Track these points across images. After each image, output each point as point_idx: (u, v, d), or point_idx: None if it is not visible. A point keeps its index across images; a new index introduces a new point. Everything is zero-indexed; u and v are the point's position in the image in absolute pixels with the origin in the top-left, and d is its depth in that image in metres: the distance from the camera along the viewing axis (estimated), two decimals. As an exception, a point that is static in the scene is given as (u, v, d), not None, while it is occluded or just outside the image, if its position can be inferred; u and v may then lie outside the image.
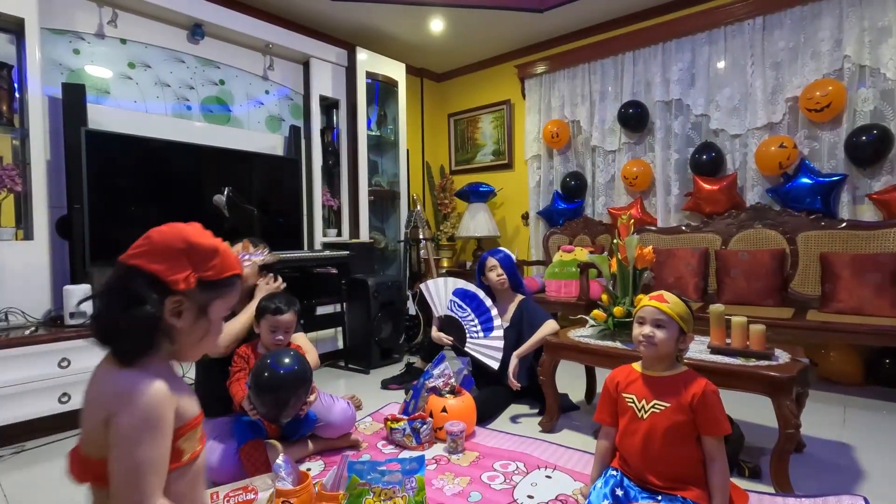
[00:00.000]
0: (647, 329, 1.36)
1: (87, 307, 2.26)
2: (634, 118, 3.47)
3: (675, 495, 1.29)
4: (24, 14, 2.27)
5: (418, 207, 3.98)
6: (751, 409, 2.12)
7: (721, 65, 3.19)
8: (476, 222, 4.21)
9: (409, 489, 1.25)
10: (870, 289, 2.48)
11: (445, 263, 4.49)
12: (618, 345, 1.89)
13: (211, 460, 1.52)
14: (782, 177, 2.96)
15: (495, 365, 2.27)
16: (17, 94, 2.34)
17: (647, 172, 3.48)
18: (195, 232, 0.74)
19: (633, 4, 3.46)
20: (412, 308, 3.57)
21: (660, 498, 1.29)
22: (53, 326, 2.22)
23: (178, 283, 0.70)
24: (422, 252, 3.97)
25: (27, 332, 2.11)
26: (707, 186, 3.17)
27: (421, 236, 3.88)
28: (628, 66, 3.57)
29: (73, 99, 2.40)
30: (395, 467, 1.27)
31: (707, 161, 3.19)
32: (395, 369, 3.00)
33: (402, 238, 3.93)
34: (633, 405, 1.38)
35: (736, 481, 1.54)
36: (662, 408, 1.33)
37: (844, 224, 2.73)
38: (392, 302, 3.23)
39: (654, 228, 3.39)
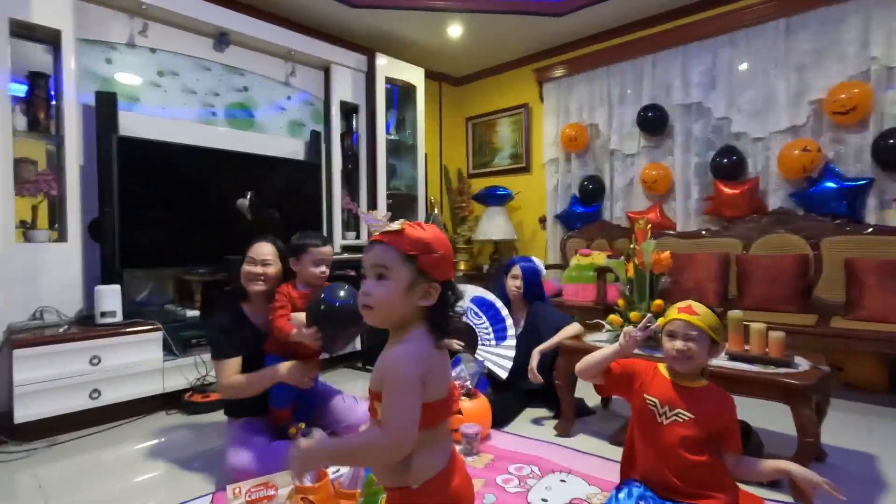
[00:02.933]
0: (679, 344, 1.34)
1: (117, 308, 2.35)
2: (654, 121, 3.45)
3: None
4: (60, 26, 2.38)
5: (436, 211, 4.02)
6: (770, 417, 2.08)
7: (743, 67, 3.15)
8: (493, 225, 4.22)
9: (424, 489, 1.28)
10: (896, 296, 2.42)
11: (463, 266, 4.52)
12: (636, 350, 1.88)
13: (239, 461, 1.58)
14: (806, 181, 2.91)
15: (504, 374, 2.29)
16: (52, 102, 2.46)
17: (667, 176, 3.45)
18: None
19: (651, 7, 3.45)
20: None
21: None
22: (85, 325, 2.31)
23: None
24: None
25: (61, 329, 2.20)
26: (728, 190, 3.13)
27: (438, 239, 3.91)
28: (647, 69, 3.55)
29: (105, 107, 2.49)
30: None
31: (728, 165, 3.16)
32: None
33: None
34: (654, 408, 1.37)
35: (754, 490, 1.53)
36: (686, 418, 1.32)
37: (871, 229, 2.67)
38: (409, 304, 3.26)
39: (672, 233, 3.36)
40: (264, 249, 1.85)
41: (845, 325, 2.42)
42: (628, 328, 1.44)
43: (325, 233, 3.48)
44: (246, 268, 1.82)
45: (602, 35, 3.83)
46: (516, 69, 4.44)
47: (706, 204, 3.30)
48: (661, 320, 1.46)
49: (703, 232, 3.25)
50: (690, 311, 1.35)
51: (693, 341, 1.32)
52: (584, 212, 3.87)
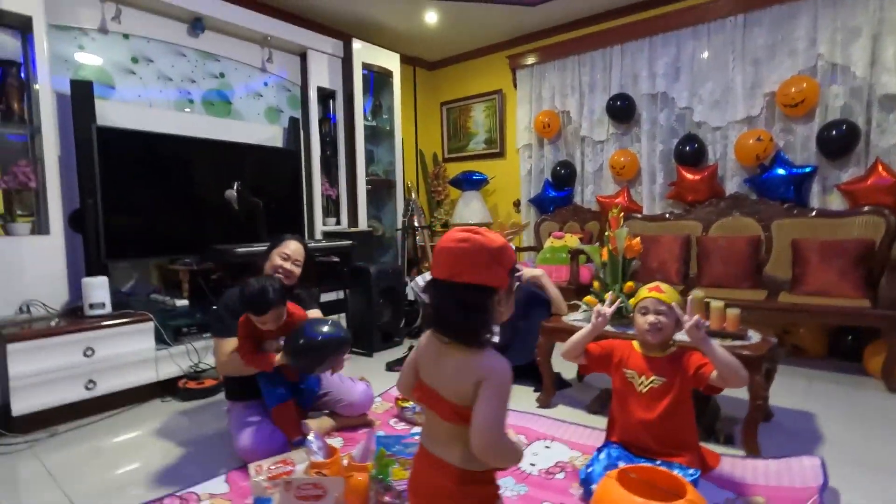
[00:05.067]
0: (651, 318, 1.53)
1: (105, 300, 2.36)
2: (622, 110, 3.63)
3: (671, 461, 1.48)
4: (31, 12, 2.31)
5: (413, 196, 4.11)
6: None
7: (704, 60, 3.34)
8: (470, 209, 4.35)
9: (429, 459, 1.43)
10: (835, 272, 2.70)
11: (439, 249, 4.64)
12: (609, 328, 2.07)
13: (246, 442, 1.69)
14: (759, 168, 3.16)
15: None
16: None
17: (634, 162, 3.65)
18: (487, 239, 0.87)
19: (621, -1, 3.58)
20: (410, 294, 3.73)
21: (658, 462, 1.48)
22: (74, 317, 2.31)
23: (501, 284, 0.88)
24: (418, 239, 4.11)
25: (52, 322, 2.21)
26: (689, 176, 3.36)
27: (416, 224, 4.02)
28: (616, 58, 3.70)
29: (81, 95, 2.45)
30: (417, 440, 1.44)
31: (690, 152, 3.37)
32: (396, 352, 3.17)
33: (401, 226, 4.06)
34: (633, 380, 1.57)
35: (711, 446, 1.75)
36: (661, 382, 1.52)
37: (815, 212, 2.94)
38: (392, 288, 3.37)
39: (639, 216, 3.58)
40: (300, 250, 1.97)
41: (791, 299, 2.70)
42: (598, 307, 1.63)
43: (305, 219, 3.52)
44: (278, 261, 1.91)
45: (574, 24, 3.95)
46: (490, 55, 4.51)
47: (670, 188, 3.52)
48: (632, 300, 1.65)
49: (667, 215, 3.48)
50: (658, 290, 1.55)
51: (662, 315, 1.52)
52: (557, 196, 4.05)
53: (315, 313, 1.97)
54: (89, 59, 2.67)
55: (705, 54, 3.34)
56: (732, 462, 1.69)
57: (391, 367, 2.87)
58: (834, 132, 2.86)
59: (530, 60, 4.15)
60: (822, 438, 1.90)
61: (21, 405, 2.03)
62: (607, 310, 1.63)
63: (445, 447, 0.92)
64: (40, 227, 2.42)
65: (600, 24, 3.81)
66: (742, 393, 1.76)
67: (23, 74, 2.38)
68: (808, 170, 2.99)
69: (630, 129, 3.73)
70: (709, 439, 1.86)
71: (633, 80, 3.64)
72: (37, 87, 2.35)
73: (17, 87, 2.36)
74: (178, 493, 1.55)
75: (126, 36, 2.78)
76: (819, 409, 2.17)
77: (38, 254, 2.36)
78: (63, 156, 2.48)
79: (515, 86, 4.31)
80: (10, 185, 2.34)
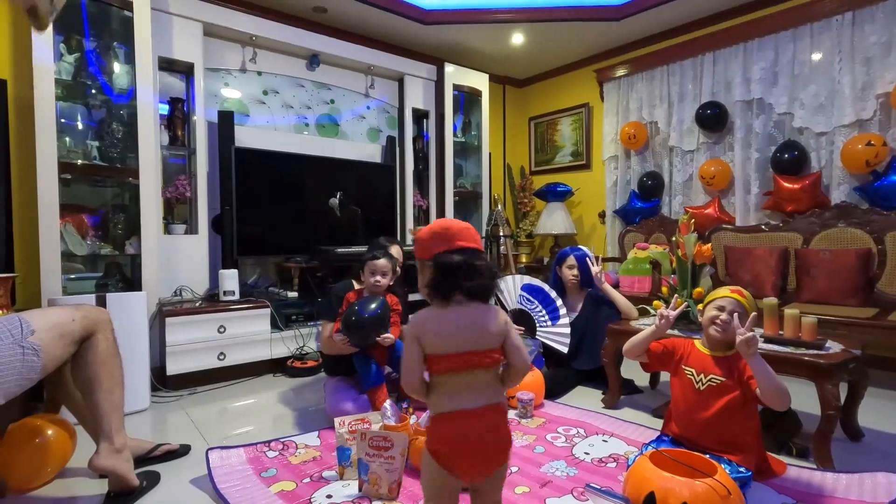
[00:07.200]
0: (725, 316, 1.57)
1: (235, 288, 2.88)
2: (713, 118, 3.52)
3: (721, 456, 1.50)
4: (193, 59, 2.94)
5: (499, 207, 4.32)
6: (811, 400, 2.20)
7: (806, 62, 3.16)
8: (553, 220, 4.45)
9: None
10: (965, 290, 2.41)
11: (524, 259, 4.78)
12: (676, 332, 2.09)
13: (338, 406, 2.02)
14: (871, 174, 2.90)
15: (564, 349, 2.56)
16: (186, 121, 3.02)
17: (726, 171, 3.52)
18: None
19: (712, 6, 3.51)
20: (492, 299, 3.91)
21: (708, 456, 1.52)
22: (212, 301, 2.86)
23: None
24: (501, 248, 4.30)
25: (197, 304, 2.76)
26: (788, 185, 3.16)
27: (500, 233, 4.21)
28: (707, 66, 3.62)
29: (225, 123, 3.03)
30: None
31: (790, 160, 3.18)
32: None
33: (484, 235, 4.29)
34: (691, 377, 1.62)
35: (784, 459, 1.71)
36: (718, 382, 1.56)
37: (940, 223, 2.63)
38: (473, 292, 3.59)
39: (730, 227, 3.43)
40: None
41: (907, 318, 2.44)
42: (662, 309, 1.69)
43: (398, 228, 3.89)
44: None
45: (661, 35, 3.92)
46: (577, 70, 4.61)
47: (766, 199, 3.34)
48: (711, 295, 1.68)
49: (763, 226, 3.29)
50: (740, 294, 1.60)
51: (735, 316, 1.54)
52: (643, 207, 4.00)
53: None
54: (231, 94, 3.29)
55: (807, 56, 3.15)
56: (800, 472, 1.64)
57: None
58: (964, 134, 2.56)
59: (617, 73, 4.19)
60: (919, 463, 1.75)
61: (173, 367, 2.57)
62: (671, 312, 1.69)
63: (491, 392, 1.05)
64: (191, 229, 3.02)
65: (690, 33, 3.75)
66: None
67: (185, 108, 3.03)
68: (931, 176, 2.69)
69: (722, 137, 3.60)
70: (780, 451, 1.81)
71: (726, 87, 3.53)
72: (194, 117, 2.97)
73: (180, 119, 3.00)
74: (281, 440, 1.90)
75: (259, 73, 3.38)
76: (926, 437, 1.97)
77: (189, 250, 2.95)
78: (209, 171, 3.08)
79: (602, 98, 4.35)
80: (172, 195, 2.96)
